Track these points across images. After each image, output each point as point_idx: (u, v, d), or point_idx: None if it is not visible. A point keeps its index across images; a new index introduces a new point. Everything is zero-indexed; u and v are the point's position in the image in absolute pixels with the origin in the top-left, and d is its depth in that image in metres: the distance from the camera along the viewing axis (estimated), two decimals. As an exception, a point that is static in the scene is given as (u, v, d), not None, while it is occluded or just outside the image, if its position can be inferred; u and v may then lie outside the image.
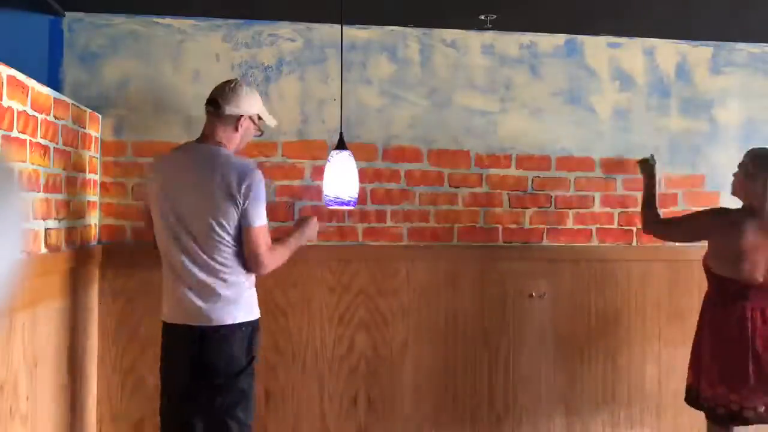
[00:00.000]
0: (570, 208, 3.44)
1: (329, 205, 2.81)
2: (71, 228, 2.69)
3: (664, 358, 3.48)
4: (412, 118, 3.32)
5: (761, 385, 2.79)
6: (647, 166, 3.30)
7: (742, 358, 2.80)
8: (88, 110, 2.92)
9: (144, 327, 3.09)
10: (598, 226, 3.46)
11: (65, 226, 2.61)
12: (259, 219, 2.48)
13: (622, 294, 3.46)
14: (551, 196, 3.43)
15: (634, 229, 3.48)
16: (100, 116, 3.08)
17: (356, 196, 2.80)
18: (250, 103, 2.59)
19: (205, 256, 2.46)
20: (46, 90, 2.41)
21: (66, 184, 2.62)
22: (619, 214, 3.48)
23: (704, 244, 2.98)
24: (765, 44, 3.58)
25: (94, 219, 3.04)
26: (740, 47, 3.57)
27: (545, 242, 3.42)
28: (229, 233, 2.46)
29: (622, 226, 3.48)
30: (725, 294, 2.87)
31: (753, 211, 2.87)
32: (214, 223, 2.44)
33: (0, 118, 2.03)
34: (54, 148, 2.48)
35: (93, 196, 3.02)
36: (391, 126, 3.31)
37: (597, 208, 3.46)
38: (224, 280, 2.47)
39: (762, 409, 2.80)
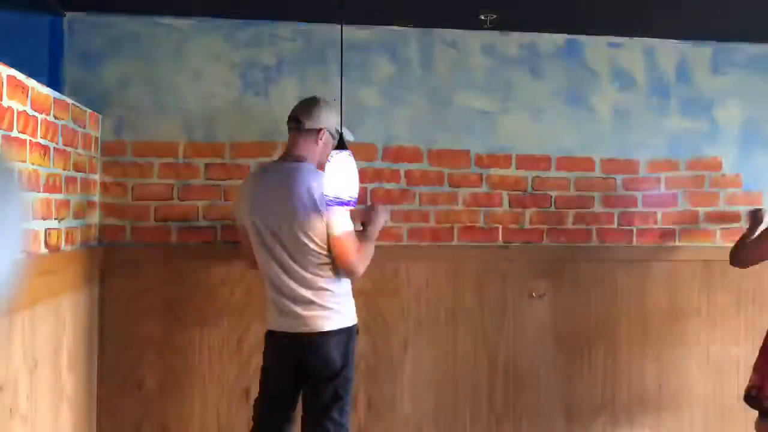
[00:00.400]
0: (570, 208, 3.44)
1: (329, 205, 2.80)
2: (71, 228, 2.69)
3: (664, 358, 3.48)
4: (412, 118, 3.32)
5: None
6: (758, 216, 3.27)
7: None
8: (88, 110, 2.92)
9: (144, 327, 3.10)
10: (598, 226, 3.46)
11: (65, 226, 2.61)
12: (343, 226, 2.58)
13: (622, 294, 3.46)
14: (551, 196, 3.43)
15: (634, 229, 3.48)
16: (100, 116, 3.08)
17: (356, 196, 2.79)
18: (328, 117, 2.69)
19: (300, 269, 2.59)
20: (46, 90, 2.41)
21: (66, 184, 2.62)
22: (619, 214, 3.47)
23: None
24: (765, 44, 3.58)
25: (94, 219, 3.04)
26: (740, 47, 3.57)
27: (545, 242, 3.42)
28: (318, 244, 2.58)
29: (622, 226, 3.48)
30: None
31: None
32: (303, 237, 2.57)
33: (0, 118, 2.03)
34: (54, 148, 2.48)
35: (93, 196, 3.02)
36: (391, 126, 3.31)
37: (597, 208, 3.46)
38: (320, 290, 2.60)
39: None
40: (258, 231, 2.64)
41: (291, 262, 2.59)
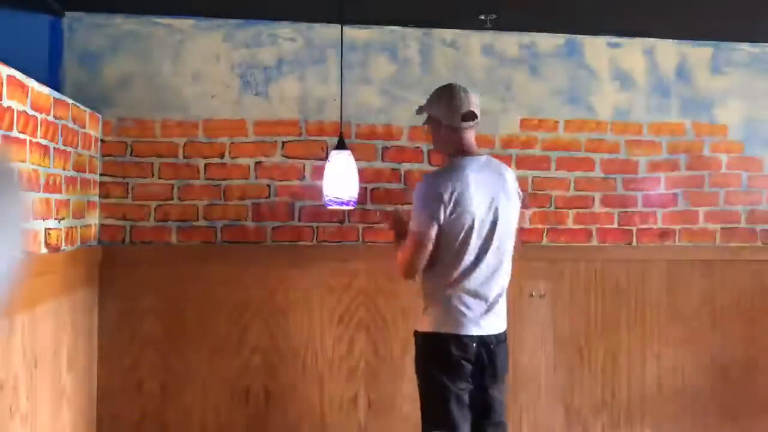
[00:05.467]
0: (570, 208, 3.44)
1: (329, 205, 2.81)
2: (71, 228, 2.69)
3: (664, 358, 3.48)
4: (412, 118, 3.32)
5: None
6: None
7: None
8: (88, 110, 2.92)
9: (144, 327, 3.10)
10: (598, 226, 3.46)
11: (65, 226, 2.61)
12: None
13: (622, 294, 3.46)
14: (551, 196, 3.43)
15: (634, 229, 3.48)
16: (100, 116, 3.08)
17: (356, 196, 2.80)
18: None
19: (508, 265, 2.62)
20: (46, 90, 2.41)
21: (66, 184, 2.62)
22: (619, 214, 3.48)
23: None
24: (765, 44, 3.58)
25: (94, 219, 3.04)
26: (740, 47, 3.57)
27: (545, 242, 3.42)
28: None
29: (622, 226, 3.48)
30: None
31: None
32: (513, 231, 2.64)
33: (0, 118, 2.03)
34: (54, 148, 2.48)
35: (93, 196, 3.02)
36: (391, 126, 3.31)
37: (597, 208, 3.46)
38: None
39: None
40: (477, 227, 2.50)
41: (503, 258, 2.59)
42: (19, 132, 2.17)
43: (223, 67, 3.20)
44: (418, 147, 3.32)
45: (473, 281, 2.50)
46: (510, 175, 2.64)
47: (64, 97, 2.64)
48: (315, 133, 3.24)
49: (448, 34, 3.36)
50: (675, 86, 3.52)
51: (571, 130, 3.44)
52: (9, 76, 2.09)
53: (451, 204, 2.47)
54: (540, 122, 3.42)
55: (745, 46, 3.57)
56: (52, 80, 3.03)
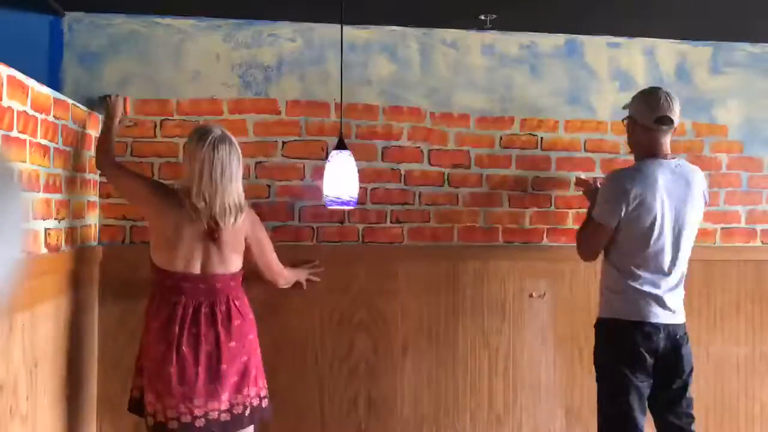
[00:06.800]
0: (570, 208, 3.44)
1: (329, 205, 2.81)
2: (71, 228, 2.69)
3: (664, 358, 3.47)
4: (411, 117, 3.32)
5: None
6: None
7: None
8: (88, 110, 2.92)
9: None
10: (598, 226, 3.45)
11: (65, 226, 2.61)
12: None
13: (622, 294, 3.45)
14: (551, 196, 3.43)
15: (634, 229, 3.48)
16: (100, 116, 3.08)
17: (356, 196, 2.80)
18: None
19: (685, 262, 2.79)
20: (46, 90, 2.41)
21: (66, 184, 2.62)
22: (619, 214, 3.47)
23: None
24: (765, 44, 3.58)
25: (94, 219, 3.04)
26: (740, 47, 3.57)
27: (545, 242, 3.42)
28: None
29: (622, 226, 3.47)
30: None
31: None
32: (694, 232, 2.83)
33: (0, 118, 2.03)
34: (54, 148, 2.49)
35: (93, 196, 3.02)
36: (391, 126, 3.31)
37: (597, 208, 3.45)
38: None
39: None
40: (662, 223, 2.69)
41: (682, 256, 2.74)
42: (19, 132, 2.17)
43: (223, 67, 3.20)
44: (418, 147, 3.32)
45: (651, 281, 2.71)
46: (698, 180, 2.80)
47: (64, 97, 2.64)
48: (315, 133, 3.24)
49: (448, 34, 3.36)
50: (675, 86, 3.51)
51: (571, 130, 3.44)
52: (9, 76, 2.09)
53: (634, 203, 2.68)
54: (540, 122, 3.42)
55: (745, 46, 3.57)
56: (52, 80, 3.03)
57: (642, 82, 3.48)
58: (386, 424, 3.28)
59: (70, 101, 2.67)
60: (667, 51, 3.52)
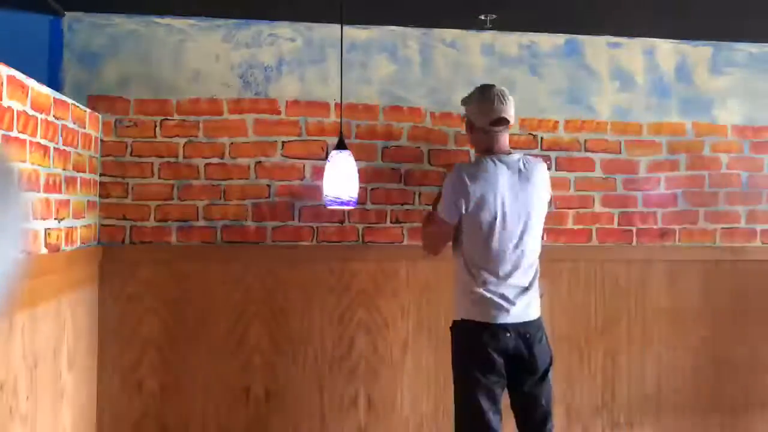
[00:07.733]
0: (570, 208, 3.44)
1: (329, 205, 2.81)
2: (71, 228, 2.69)
3: (664, 358, 3.48)
4: (411, 118, 3.32)
5: None
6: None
7: None
8: (88, 110, 2.92)
9: (144, 327, 3.10)
10: (598, 226, 3.46)
11: (65, 226, 2.61)
12: None
13: (622, 294, 3.46)
14: (551, 196, 3.42)
15: (634, 229, 3.48)
16: (100, 116, 3.08)
17: (356, 196, 2.80)
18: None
19: (534, 257, 2.76)
20: (46, 90, 2.41)
21: (66, 184, 2.62)
22: (619, 214, 3.48)
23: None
24: (765, 44, 3.58)
25: (94, 219, 3.04)
26: (740, 47, 3.57)
27: (545, 242, 3.41)
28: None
29: (622, 226, 3.48)
30: None
31: None
32: (541, 225, 2.81)
33: (0, 118, 2.03)
34: (54, 148, 2.48)
35: (93, 196, 3.02)
36: (391, 126, 3.31)
37: (597, 208, 3.46)
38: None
39: None
40: (503, 220, 2.65)
41: (529, 252, 2.70)
42: (19, 132, 2.17)
43: (223, 67, 3.20)
44: (418, 147, 3.32)
45: (496, 275, 2.65)
46: (540, 174, 2.74)
47: (64, 97, 2.64)
48: (315, 133, 3.24)
49: (448, 34, 3.36)
50: (675, 86, 3.52)
51: (571, 130, 3.44)
52: (9, 76, 2.09)
53: (473, 201, 2.63)
54: (540, 122, 3.42)
55: (745, 46, 3.57)
56: (52, 80, 3.03)
57: (642, 82, 3.49)
58: (386, 423, 3.28)
59: (70, 101, 2.67)
60: (667, 51, 3.52)
